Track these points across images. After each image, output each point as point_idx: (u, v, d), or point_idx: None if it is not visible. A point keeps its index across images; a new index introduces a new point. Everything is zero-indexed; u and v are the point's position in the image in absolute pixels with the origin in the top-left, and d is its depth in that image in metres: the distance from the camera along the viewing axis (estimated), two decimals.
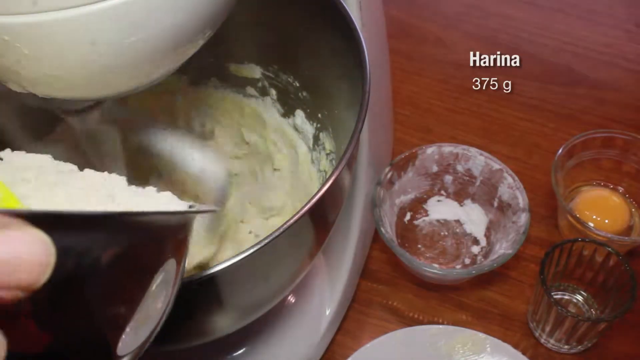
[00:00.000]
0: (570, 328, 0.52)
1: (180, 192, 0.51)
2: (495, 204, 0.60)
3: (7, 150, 0.29)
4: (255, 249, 0.34)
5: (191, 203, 0.29)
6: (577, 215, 0.59)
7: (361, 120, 0.40)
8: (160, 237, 0.26)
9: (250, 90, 0.58)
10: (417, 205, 0.64)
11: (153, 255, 0.26)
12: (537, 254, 0.62)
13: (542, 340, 0.57)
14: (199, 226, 0.47)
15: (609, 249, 0.54)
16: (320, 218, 0.41)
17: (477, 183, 0.62)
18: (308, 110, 0.55)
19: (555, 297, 0.56)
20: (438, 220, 0.63)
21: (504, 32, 0.82)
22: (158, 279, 0.26)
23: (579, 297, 0.58)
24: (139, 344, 0.26)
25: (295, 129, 0.56)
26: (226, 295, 0.39)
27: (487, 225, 0.61)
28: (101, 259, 0.22)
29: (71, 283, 0.21)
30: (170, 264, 0.26)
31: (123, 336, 0.24)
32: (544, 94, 0.75)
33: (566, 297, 0.59)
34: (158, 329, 0.27)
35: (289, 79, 0.55)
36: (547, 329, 0.55)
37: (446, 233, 0.63)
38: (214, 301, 0.39)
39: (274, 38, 0.53)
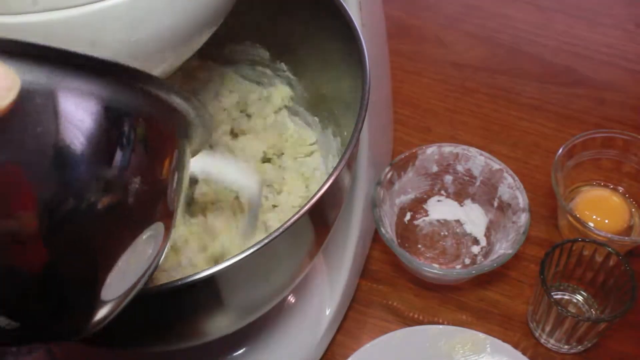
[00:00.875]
0: (570, 328, 0.52)
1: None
2: (495, 204, 0.60)
3: None
4: (255, 249, 0.34)
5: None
6: (577, 215, 0.59)
7: (361, 120, 0.40)
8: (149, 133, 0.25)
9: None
10: (417, 205, 0.64)
11: (144, 195, 0.25)
12: (537, 254, 0.62)
13: (542, 340, 0.57)
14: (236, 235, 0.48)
15: (609, 249, 0.54)
16: (320, 218, 0.41)
17: (477, 183, 0.62)
18: (308, 110, 0.55)
19: (555, 297, 0.56)
20: (438, 220, 0.63)
21: (504, 32, 0.82)
22: (146, 233, 0.25)
23: (579, 297, 0.58)
24: (122, 292, 0.26)
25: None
26: (226, 295, 0.39)
27: (487, 225, 0.61)
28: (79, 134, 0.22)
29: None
30: (159, 225, 0.26)
31: (108, 279, 0.24)
32: (544, 94, 0.75)
33: (566, 297, 0.59)
34: (142, 282, 0.27)
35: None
36: (547, 329, 0.55)
37: (446, 233, 0.63)
38: (214, 301, 0.39)
39: (274, 38, 0.54)
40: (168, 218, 0.27)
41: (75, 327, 0.25)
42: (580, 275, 0.57)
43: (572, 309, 0.57)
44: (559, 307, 0.51)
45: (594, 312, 0.57)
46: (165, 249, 0.28)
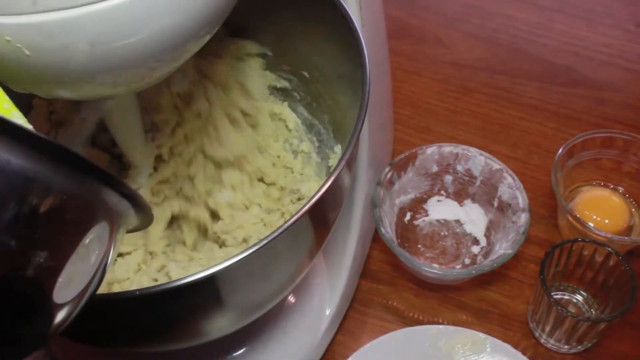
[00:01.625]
0: (570, 328, 0.52)
1: None
2: (495, 204, 0.60)
3: None
4: (254, 249, 0.34)
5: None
6: (577, 215, 0.59)
7: (361, 120, 0.40)
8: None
9: None
10: (417, 205, 0.64)
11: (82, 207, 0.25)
12: (537, 254, 0.62)
13: (542, 340, 0.57)
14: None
15: (609, 249, 0.54)
16: (320, 218, 0.41)
17: (477, 183, 0.62)
18: (308, 110, 0.55)
19: (555, 297, 0.56)
20: (438, 220, 0.63)
21: (504, 32, 0.82)
22: (90, 235, 0.26)
23: (579, 297, 0.58)
24: (72, 296, 0.26)
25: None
26: (226, 295, 0.39)
27: (487, 225, 0.61)
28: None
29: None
30: (103, 225, 0.26)
31: (57, 284, 0.24)
32: (544, 94, 0.75)
33: (566, 297, 0.59)
34: (92, 287, 0.27)
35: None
36: (547, 329, 0.55)
37: (446, 233, 0.63)
38: (214, 301, 0.39)
39: (274, 38, 0.54)
40: (113, 217, 0.27)
41: (37, 330, 0.25)
42: (580, 275, 0.57)
43: (572, 309, 0.57)
44: (559, 307, 0.51)
45: (594, 312, 0.57)
46: (113, 248, 0.28)
